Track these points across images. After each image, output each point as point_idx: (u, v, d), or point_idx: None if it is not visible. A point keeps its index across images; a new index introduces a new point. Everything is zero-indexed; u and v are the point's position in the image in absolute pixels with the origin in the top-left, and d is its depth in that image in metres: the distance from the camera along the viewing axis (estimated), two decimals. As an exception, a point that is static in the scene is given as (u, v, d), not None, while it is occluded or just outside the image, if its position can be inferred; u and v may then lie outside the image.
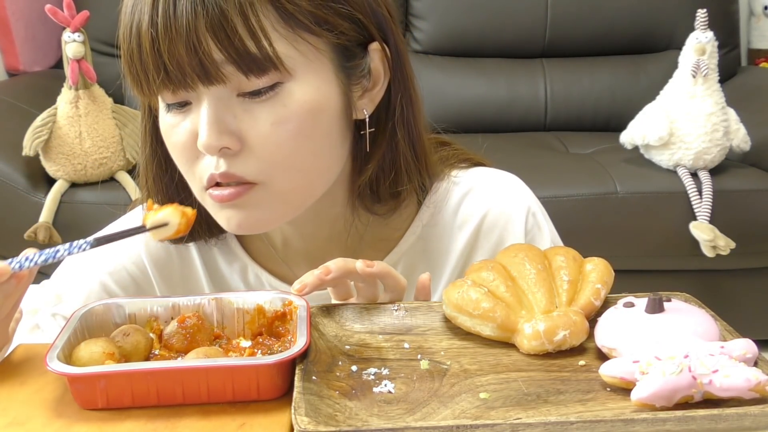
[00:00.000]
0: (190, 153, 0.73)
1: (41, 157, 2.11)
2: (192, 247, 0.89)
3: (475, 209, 0.87)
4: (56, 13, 2.04)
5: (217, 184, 0.74)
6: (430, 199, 0.88)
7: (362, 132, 0.79)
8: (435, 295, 0.88)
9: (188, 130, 0.72)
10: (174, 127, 0.73)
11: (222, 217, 0.76)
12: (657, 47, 2.74)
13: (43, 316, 0.85)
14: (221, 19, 0.67)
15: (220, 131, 0.70)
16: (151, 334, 0.69)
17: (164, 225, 0.66)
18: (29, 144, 2.06)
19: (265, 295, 0.72)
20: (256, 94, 0.70)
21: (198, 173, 0.74)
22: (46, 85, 2.46)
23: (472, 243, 0.87)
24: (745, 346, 0.59)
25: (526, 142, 2.50)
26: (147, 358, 0.66)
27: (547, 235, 0.89)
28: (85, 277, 0.87)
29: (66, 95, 2.10)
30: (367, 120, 0.78)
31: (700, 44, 2.10)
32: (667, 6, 2.70)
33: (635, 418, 0.54)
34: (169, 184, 0.82)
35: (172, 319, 0.70)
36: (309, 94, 0.72)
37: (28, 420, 0.59)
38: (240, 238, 0.89)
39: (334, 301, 0.75)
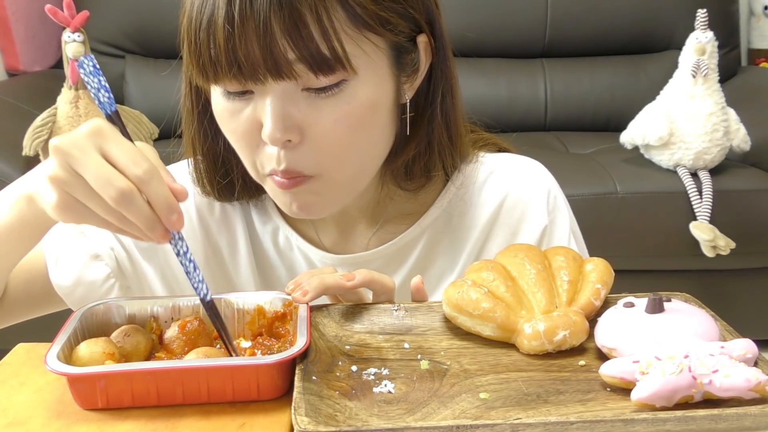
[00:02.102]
0: (251, 139, 0.75)
1: (41, 157, 2.11)
2: (236, 203, 0.92)
3: (498, 188, 0.91)
4: (56, 13, 2.03)
5: None
6: (457, 176, 0.91)
7: (403, 116, 0.82)
8: (456, 267, 0.91)
9: (250, 118, 0.74)
10: (234, 114, 0.75)
11: (281, 201, 0.79)
12: (657, 47, 2.74)
13: (87, 227, 0.86)
14: (297, 20, 0.68)
15: (286, 126, 0.72)
16: (151, 335, 0.69)
17: None
18: (29, 144, 2.06)
19: (265, 295, 0.72)
20: (321, 90, 0.72)
21: (259, 160, 0.77)
22: (46, 85, 2.46)
23: (493, 221, 0.90)
24: (745, 346, 0.59)
25: (526, 142, 2.50)
26: (147, 359, 0.66)
27: (567, 218, 0.91)
28: None
29: (66, 95, 2.10)
30: (408, 105, 0.81)
31: (700, 44, 2.10)
32: (667, 6, 2.70)
33: (635, 418, 0.54)
34: (215, 154, 0.84)
35: (173, 320, 0.70)
36: (370, 91, 0.75)
37: (28, 420, 0.59)
38: None
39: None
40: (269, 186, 0.79)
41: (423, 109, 0.83)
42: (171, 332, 0.68)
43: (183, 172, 0.89)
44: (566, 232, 0.90)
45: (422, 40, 0.80)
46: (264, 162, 0.76)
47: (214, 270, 0.92)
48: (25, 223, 0.74)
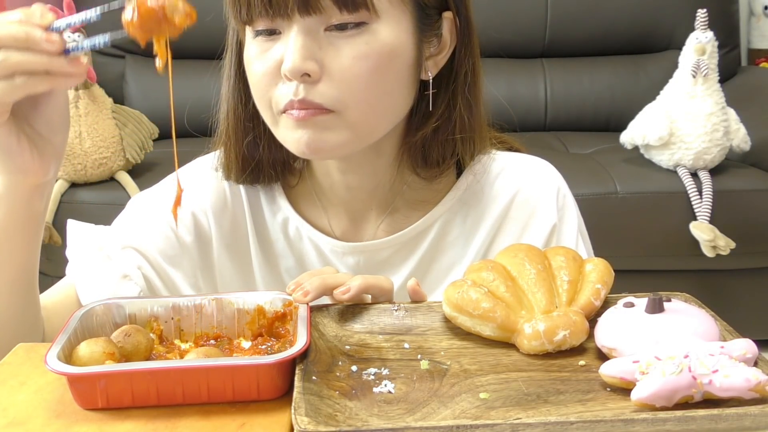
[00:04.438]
0: (271, 79, 0.79)
1: (41, 157, 2.10)
2: (243, 195, 0.94)
3: (510, 184, 0.93)
4: (56, 13, 2.03)
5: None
6: (472, 168, 0.92)
7: (425, 92, 0.85)
8: (465, 259, 0.92)
9: (273, 58, 0.79)
10: (260, 54, 0.80)
11: (293, 138, 0.80)
12: (657, 47, 2.74)
13: (112, 249, 0.88)
14: None
15: (306, 57, 0.76)
16: (151, 334, 0.69)
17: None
18: (29, 144, 2.06)
19: (265, 295, 0.72)
20: (342, 28, 0.77)
21: (275, 99, 0.80)
22: (46, 85, 2.46)
23: (504, 215, 0.92)
24: (745, 346, 0.59)
25: (526, 142, 2.49)
26: (147, 359, 0.66)
27: (575, 217, 0.93)
28: (152, 217, 0.91)
29: (66, 95, 2.10)
30: (431, 81, 0.84)
31: (700, 44, 2.10)
32: (667, 6, 2.70)
33: (635, 418, 0.54)
34: (246, 115, 0.87)
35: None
36: (389, 38, 0.79)
37: (28, 420, 0.59)
38: (285, 189, 0.94)
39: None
40: (283, 124, 0.81)
41: (445, 90, 0.86)
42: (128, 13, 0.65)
43: (208, 164, 0.93)
44: (574, 230, 0.91)
45: (447, 16, 0.84)
46: (280, 98, 0.79)
47: (223, 266, 0.93)
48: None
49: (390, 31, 0.78)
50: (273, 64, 0.78)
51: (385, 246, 0.91)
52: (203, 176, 0.94)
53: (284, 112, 0.79)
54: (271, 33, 0.79)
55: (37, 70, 0.67)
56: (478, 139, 0.89)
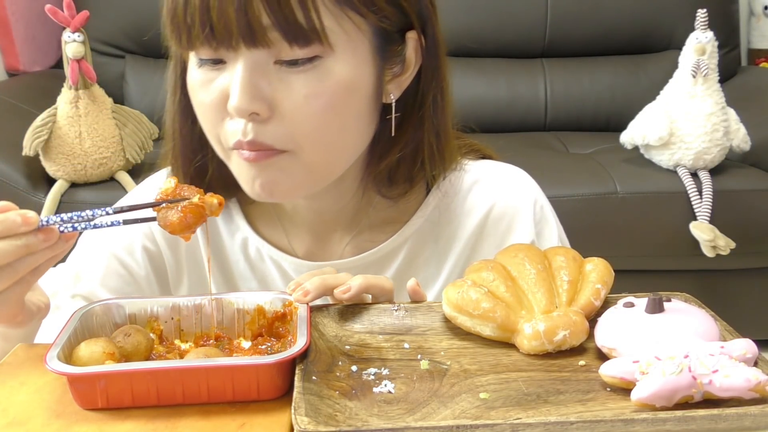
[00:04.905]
0: (218, 112, 0.73)
1: (41, 157, 2.11)
2: None
3: (483, 199, 0.88)
4: (56, 13, 2.03)
5: None
6: (441, 184, 0.88)
7: (387, 117, 0.79)
8: (440, 279, 0.89)
9: (219, 89, 0.72)
10: (205, 84, 0.73)
11: (246, 177, 0.75)
12: (657, 47, 2.74)
13: (62, 298, 0.85)
14: None
15: (253, 96, 0.70)
16: (151, 334, 0.69)
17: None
18: (29, 144, 2.06)
19: (265, 295, 0.72)
20: (293, 63, 0.70)
21: (224, 135, 0.74)
22: (46, 85, 2.46)
23: (479, 232, 0.88)
24: (745, 346, 0.59)
25: (526, 142, 2.50)
26: (148, 359, 0.66)
27: (555, 228, 0.90)
28: (102, 254, 0.88)
29: (66, 95, 2.10)
30: (393, 105, 0.79)
31: (700, 44, 2.10)
32: (667, 6, 2.70)
33: (635, 418, 0.54)
34: (193, 137, 0.82)
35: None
36: (345, 72, 0.72)
37: (28, 420, 0.59)
38: (242, 205, 0.89)
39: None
40: (234, 162, 0.76)
41: (411, 112, 0.81)
42: (173, 214, 0.66)
43: (155, 187, 0.88)
44: (554, 244, 0.88)
45: (412, 36, 0.78)
46: (228, 135, 0.73)
47: (182, 295, 0.90)
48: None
49: (345, 65, 0.71)
50: (219, 96, 0.72)
51: (353, 266, 0.86)
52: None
53: (234, 149, 0.74)
54: (217, 62, 0.72)
55: (41, 263, 0.66)
56: (448, 160, 0.85)
